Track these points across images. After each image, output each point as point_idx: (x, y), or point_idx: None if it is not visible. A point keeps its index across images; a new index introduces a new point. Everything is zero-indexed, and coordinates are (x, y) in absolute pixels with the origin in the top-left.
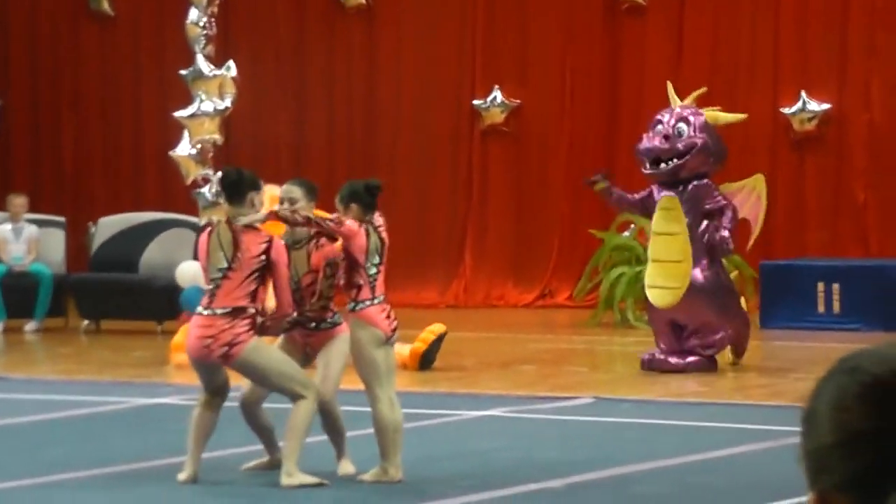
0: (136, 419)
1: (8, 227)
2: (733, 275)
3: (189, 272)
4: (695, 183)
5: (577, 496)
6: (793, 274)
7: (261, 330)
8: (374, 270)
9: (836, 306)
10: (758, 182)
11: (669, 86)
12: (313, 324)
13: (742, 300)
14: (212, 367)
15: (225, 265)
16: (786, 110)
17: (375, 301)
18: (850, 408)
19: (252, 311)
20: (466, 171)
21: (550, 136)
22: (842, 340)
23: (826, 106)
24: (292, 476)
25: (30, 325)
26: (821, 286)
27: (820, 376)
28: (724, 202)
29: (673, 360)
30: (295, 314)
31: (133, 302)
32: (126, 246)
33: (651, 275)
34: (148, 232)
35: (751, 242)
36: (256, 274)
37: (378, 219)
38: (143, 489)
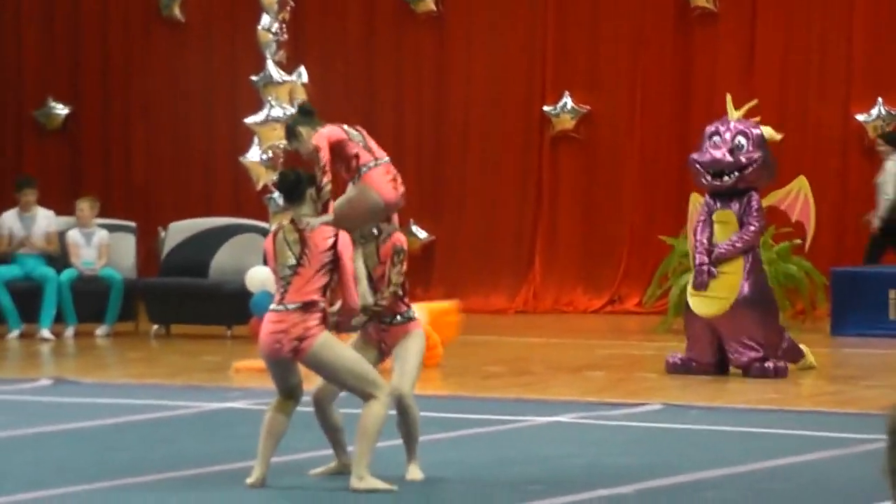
0: (206, 423)
1: (78, 231)
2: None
3: (259, 277)
4: (751, 195)
5: (646, 502)
6: (864, 281)
7: (335, 327)
8: (359, 137)
9: None
10: (802, 184)
11: (728, 98)
12: (388, 318)
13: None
14: (283, 364)
15: (294, 262)
16: (860, 117)
17: (379, 162)
18: None
19: (323, 305)
20: (536, 177)
21: (621, 142)
22: None
23: None
24: (363, 480)
25: (100, 330)
26: (892, 293)
27: None
28: (752, 223)
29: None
30: (364, 308)
31: (203, 307)
32: (196, 251)
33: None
34: (218, 237)
35: (808, 243)
36: (327, 268)
37: None
38: (212, 493)
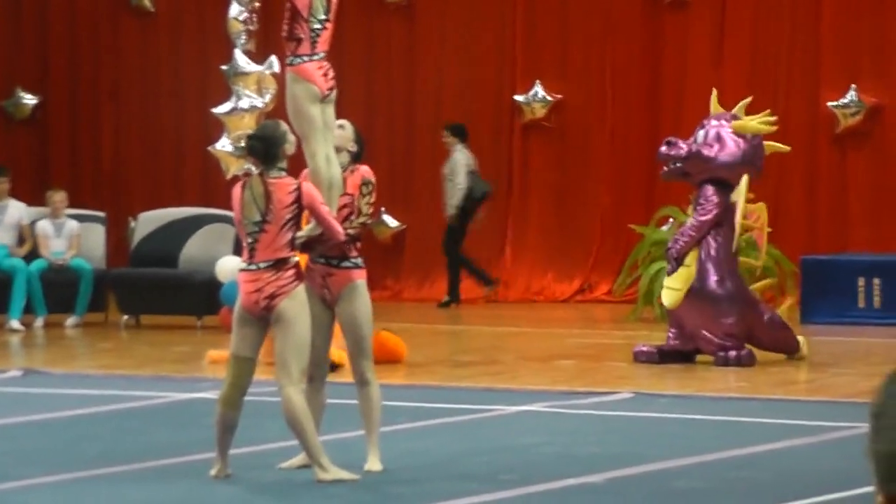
0: (176, 414)
1: (48, 222)
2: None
3: (229, 267)
4: (703, 187)
5: (616, 491)
6: (834, 269)
7: (303, 248)
8: (317, 26)
9: (877, 301)
10: (761, 211)
11: (714, 94)
12: (336, 260)
13: (786, 303)
14: (258, 324)
15: (259, 218)
16: (830, 104)
17: (315, 57)
18: None
19: (295, 259)
20: (507, 166)
21: (591, 130)
22: (882, 335)
23: (865, 98)
24: (328, 471)
25: (70, 320)
26: (861, 281)
27: (890, 374)
28: (697, 216)
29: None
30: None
31: (173, 297)
32: (166, 241)
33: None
34: (188, 227)
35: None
36: (292, 222)
37: None
38: (182, 483)
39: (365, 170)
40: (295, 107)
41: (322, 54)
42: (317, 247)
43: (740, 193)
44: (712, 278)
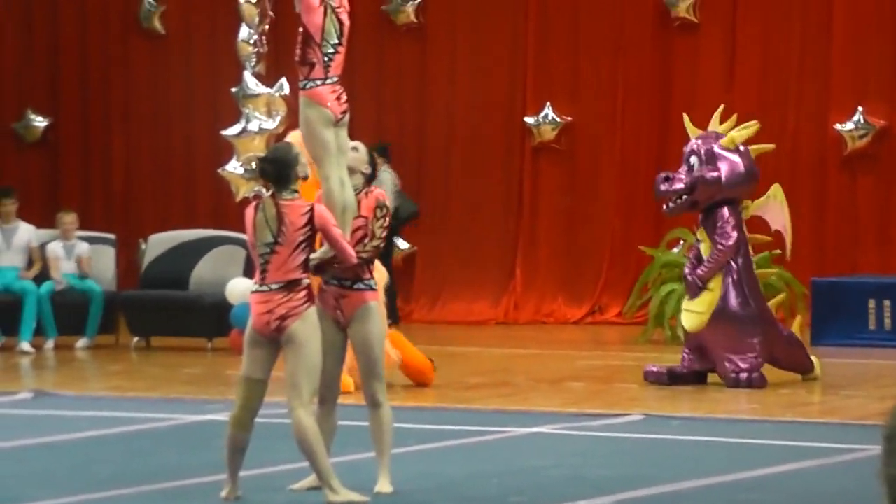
0: (186, 436)
1: (59, 244)
2: (778, 299)
3: (239, 289)
4: (718, 211)
5: None
6: (844, 291)
7: (316, 270)
8: (330, 50)
9: (888, 323)
10: (776, 192)
11: (685, 118)
12: (349, 282)
13: (797, 320)
14: (270, 346)
15: (272, 240)
16: (839, 126)
17: (328, 81)
18: None
19: (306, 281)
20: (517, 187)
21: (602, 152)
22: (893, 358)
23: (875, 121)
24: (338, 493)
25: (80, 343)
26: (871, 303)
27: None
28: (720, 241)
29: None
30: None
31: (183, 319)
32: (176, 263)
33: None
34: (198, 249)
35: (788, 251)
36: (304, 244)
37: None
38: None
39: (379, 193)
40: (308, 131)
41: (335, 78)
42: (329, 269)
43: (782, 204)
44: (735, 300)
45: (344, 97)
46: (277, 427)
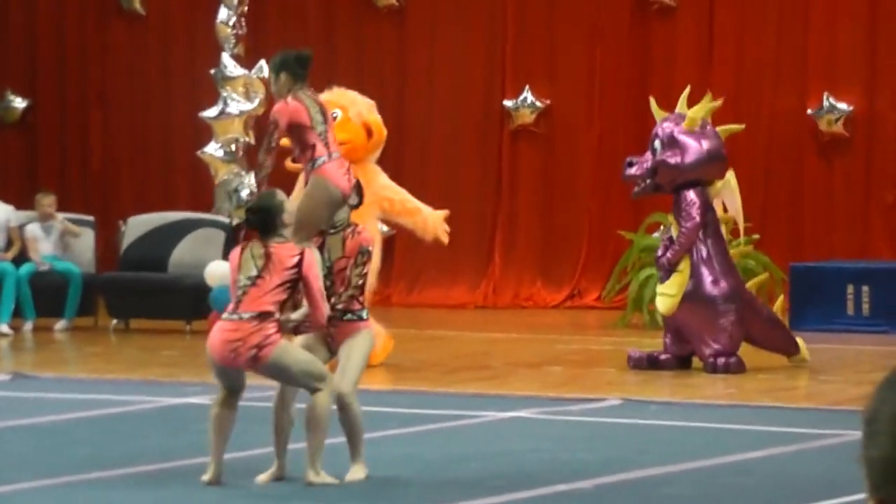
0: (165, 418)
1: (37, 226)
2: (759, 279)
3: (218, 272)
4: (681, 194)
5: (605, 498)
6: (822, 276)
7: (292, 332)
8: (321, 129)
9: (866, 308)
10: (731, 177)
11: (652, 101)
12: (339, 314)
13: (779, 300)
14: (236, 372)
15: (255, 273)
16: (813, 111)
17: (334, 156)
18: None
19: (277, 316)
20: (496, 171)
21: (580, 136)
22: (871, 343)
23: (854, 107)
24: (319, 474)
25: (59, 325)
26: (850, 288)
27: (883, 380)
28: (684, 224)
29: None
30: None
31: (162, 301)
32: (155, 245)
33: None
34: (177, 231)
35: (741, 236)
36: (287, 285)
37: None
38: (171, 489)
39: (364, 238)
40: (307, 204)
41: (338, 153)
42: (303, 331)
43: (733, 190)
44: (707, 280)
45: (351, 173)
46: (258, 410)
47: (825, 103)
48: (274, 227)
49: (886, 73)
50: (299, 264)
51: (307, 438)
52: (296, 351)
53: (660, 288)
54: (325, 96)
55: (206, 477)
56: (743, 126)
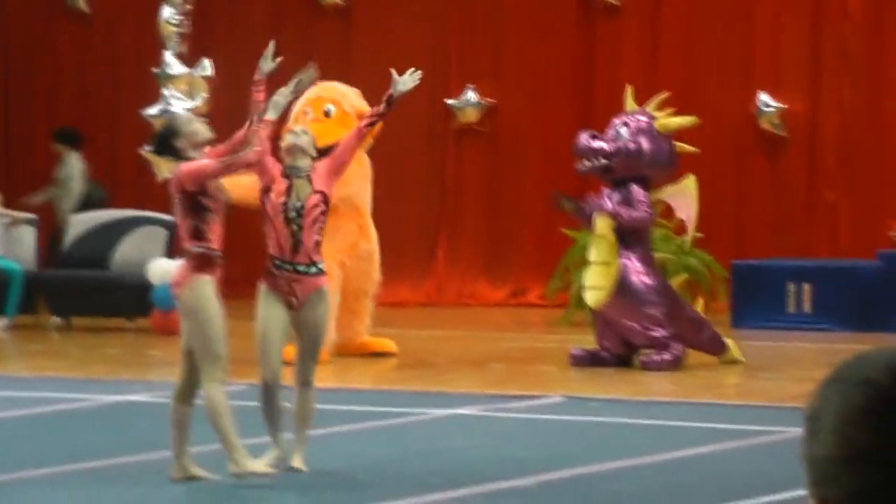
0: (107, 416)
1: None
2: (681, 279)
3: (161, 269)
4: (631, 186)
5: (547, 495)
6: (764, 274)
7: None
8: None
9: (807, 306)
10: (691, 183)
11: (628, 90)
12: (303, 267)
13: (700, 301)
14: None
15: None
16: (756, 111)
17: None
18: (856, 422)
19: (195, 250)
20: (440, 170)
21: (525, 135)
22: (812, 340)
23: (797, 107)
24: (238, 464)
25: (0, 323)
26: (791, 286)
27: (826, 377)
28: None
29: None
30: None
31: (105, 299)
32: (98, 243)
33: (586, 275)
34: (120, 229)
35: (689, 241)
36: (186, 205)
37: None
38: (114, 487)
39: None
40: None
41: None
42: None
43: (692, 196)
44: (635, 273)
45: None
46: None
47: (768, 103)
48: (173, 150)
49: (829, 73)
50: (177, 184)
51: (216, 434)
52: (207, 302)
53: (588, 281)
54: (312, 92)
55: (172, 476)
56: (697, 150)
